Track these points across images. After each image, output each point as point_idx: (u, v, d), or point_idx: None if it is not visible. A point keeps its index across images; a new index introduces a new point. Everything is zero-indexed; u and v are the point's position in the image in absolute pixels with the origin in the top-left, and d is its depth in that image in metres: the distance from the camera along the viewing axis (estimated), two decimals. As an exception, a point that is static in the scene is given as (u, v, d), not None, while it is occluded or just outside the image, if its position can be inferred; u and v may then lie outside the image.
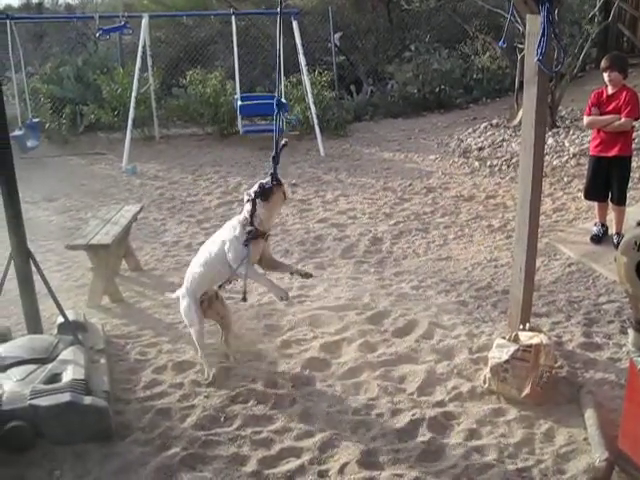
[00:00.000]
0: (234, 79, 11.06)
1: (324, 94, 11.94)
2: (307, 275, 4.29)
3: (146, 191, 9.00)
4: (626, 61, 6.26)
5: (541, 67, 3.76)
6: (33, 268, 4.22)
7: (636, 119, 6.04)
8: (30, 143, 10.37)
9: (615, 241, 5.88)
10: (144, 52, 11.13)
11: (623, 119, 5.86)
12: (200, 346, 4.23)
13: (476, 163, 9.43)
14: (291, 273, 4.34)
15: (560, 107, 10.87)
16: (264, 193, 3.91)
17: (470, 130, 11.22)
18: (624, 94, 5.91)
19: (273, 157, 3.95)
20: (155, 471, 3.31)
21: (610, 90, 6.02)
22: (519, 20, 8.63)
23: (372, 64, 15.17)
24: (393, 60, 15.05)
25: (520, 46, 9.57)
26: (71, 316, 4.44)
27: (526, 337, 3.95)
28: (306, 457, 3.40)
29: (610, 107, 5.97)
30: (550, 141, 9.46)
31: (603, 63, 6.04)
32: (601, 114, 6.02)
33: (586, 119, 6.21)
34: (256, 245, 3.99)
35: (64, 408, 3.44)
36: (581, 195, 6.89)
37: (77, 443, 3.46)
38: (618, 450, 3.23)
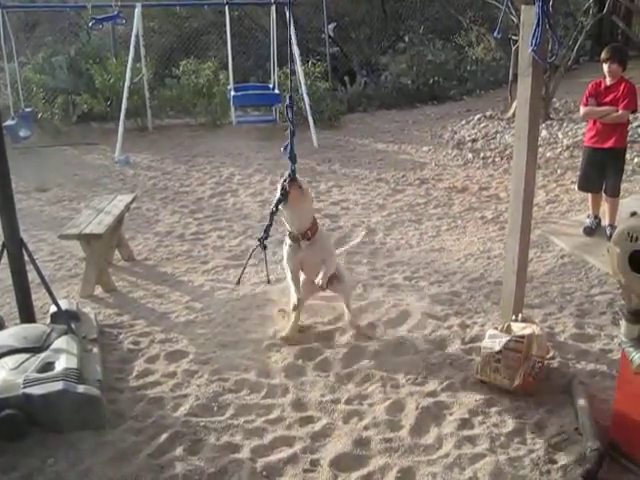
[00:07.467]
0: (227, 69, 11.01)
1: (317, 85, 11.91)
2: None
3: (139, 181, 8.98)
4: (626, 53, 6.25)
5: (535, 58, 3.75)
6: (26, 257, 4.21)
7: (633, 112, 6.04)
8: (23, 133, 10.31)
9: (608, 233, 5.89)
10: (137, 42, 11.04)
11: (620, 111, 5.86)
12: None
13: (469, 155, 9.44)
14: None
15: (554, 99, 10.88)
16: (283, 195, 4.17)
17: (464, 122, 11.21)
18: (622, 86, 5.91)
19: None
20: (147, 459, 3.31)
21: (608, 81, 6.01)
22: (513, 12, 8.64)
23: (366, 55, 15.11)
24: (387, 51, 15.04)
25: (514, 38, 9.56)
26: (64, 305, 4.45)
27: (518, 328, 3.96)
28: (298, 446, 3.41)
29: (608, 98, 5.97)
30: (544, 133, 9.47)
31: (603, 54, 6.03)
32: (598, 105, 6.02)
33: (582, 109, 6.20)
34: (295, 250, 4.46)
35: (57, 396, 3.43)
36: (574, 187, 6.91)
37: (70, 431, 3.46)
38: (609, 440, 3.26)
